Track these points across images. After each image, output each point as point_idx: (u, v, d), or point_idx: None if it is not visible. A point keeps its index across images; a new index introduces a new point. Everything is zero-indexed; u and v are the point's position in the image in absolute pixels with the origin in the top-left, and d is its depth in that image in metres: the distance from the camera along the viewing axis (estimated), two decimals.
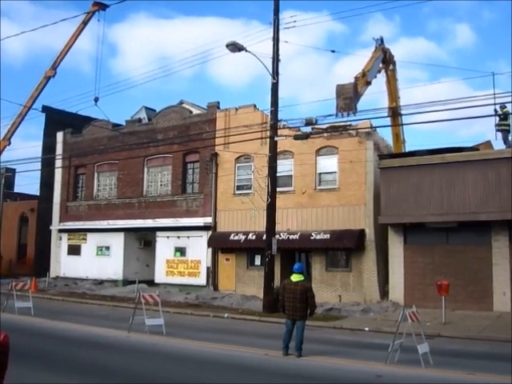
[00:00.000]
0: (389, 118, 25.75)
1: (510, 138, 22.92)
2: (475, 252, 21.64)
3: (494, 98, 17.32)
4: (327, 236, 24.82)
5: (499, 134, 22.90)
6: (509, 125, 22.64)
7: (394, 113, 26.60)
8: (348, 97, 20.98)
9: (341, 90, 21.17)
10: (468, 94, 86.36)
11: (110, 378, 9.71)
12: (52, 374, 9.89)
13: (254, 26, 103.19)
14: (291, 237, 25.54)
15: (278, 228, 22.34)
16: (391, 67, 27.67)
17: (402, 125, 27.83)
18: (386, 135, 29.01)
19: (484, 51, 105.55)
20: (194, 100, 38.62)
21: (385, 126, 24.18)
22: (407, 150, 27.36)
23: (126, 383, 9.38)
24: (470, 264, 21.64)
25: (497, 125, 22.63)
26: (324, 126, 24.07)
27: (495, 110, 21.38)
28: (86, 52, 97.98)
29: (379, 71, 26.03)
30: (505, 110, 21.85)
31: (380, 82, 27.31)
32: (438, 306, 18.71)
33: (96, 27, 33.41)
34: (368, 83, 23.30)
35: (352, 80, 21.82)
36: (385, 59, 26.52)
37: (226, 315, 20.74)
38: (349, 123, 23.73)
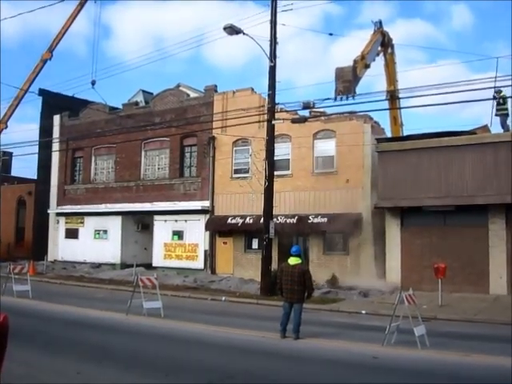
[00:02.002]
0: (387, 102, 25.69)
1: (508, 122, 22.92)
2: (472, 235, 21.71)
3: (495, 81, 17.30)
4: (325, 219, 24.87)
5: (496, 119, 22.92)
6: (507, 108, 22.60)
7: (393, 96, 26.52)
8: (347, 80, 20.91)
9: (340, 73, 21.07)
10: (466, 76, 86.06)
11: (108, 359, 9.77)
12: (50, 354, 9.95)
13: (249, 7, 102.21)
14: (288, 220, 25.59)
15: (275, 211, 22.37)
16: (390, 50, 27.53)
17: (401, 108, 27.75)
18: (384, 119, 28.97)
19: (482, 32, 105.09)
20: (190, 82, 38.55)
21: (382, 110, 24.08)
22: (405, 134, 27.32)
23: (124, 364, 9.44)
24: (466, 247, 21.71)
25: (496, 110, 22.61)
26: (322, 110, 24.05)
27: (494, 97, 21.45)
28: (80, 33, 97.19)
29: (377, 54, 25.89)
30: (502, 94, 21.82)
31: (378, 65, 27.21)
32: (434, 288, 18.79)
33: (89, 8, 33.17)
34: (367, 66, 23.21)
35: (351, 63, 21.72)
36: (383, 42, 26.36)
37: (223, 298, 20.84)
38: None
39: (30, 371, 8.65)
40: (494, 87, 17.98)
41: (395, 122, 28.42)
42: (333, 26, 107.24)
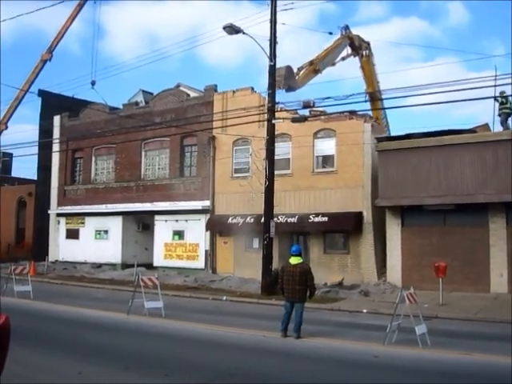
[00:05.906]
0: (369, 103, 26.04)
1: (508, 120, 23.00)
2: (472, 233, 21.71)
3: (495, 79, 17.34)
4: (325, 219, 24.85)
5: (497, 118, 23.07)
6: (510, 108, 22.71)
7: (373, 98, 26.56)
8: (280, 74, 22.42)
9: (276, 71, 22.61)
10: (463, 73, 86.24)
11: (109, 359, 9.78)
12: (51, 355, 9.96)
13: (244, 6, 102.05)
14: (289, 220, 25.58)
15: (275, 211, 22.36)
16: (366, 53, 27.62)
17: (384, 109, 27.78)
18: None
19: (477, 28, 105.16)
20: (189, 81, 38.59)
21: (366, 110, 24.48)
22: (403, 133, 27.26)
23: (125, 364, 9.44)
24: (467, 245, 21.71)
25: (499, 109, 22.80)
26: (322, 109, 24.11)
27: (496, 98, 21.79)
28: (74, 33, 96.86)
29: (343, 58, 26.16)
30: (504, 94, 22.05)
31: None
32: (435, 287, 18.79)
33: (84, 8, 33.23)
34: (317, 71, 23.83)
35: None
36: (354, 46, 26.53)
37: (224, 298, 20.83)
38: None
39: (31, 371, 8.65)
40: (495, 85, 18.05)
41: (378, 122, 28.53)
42: (329, 23, 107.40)
